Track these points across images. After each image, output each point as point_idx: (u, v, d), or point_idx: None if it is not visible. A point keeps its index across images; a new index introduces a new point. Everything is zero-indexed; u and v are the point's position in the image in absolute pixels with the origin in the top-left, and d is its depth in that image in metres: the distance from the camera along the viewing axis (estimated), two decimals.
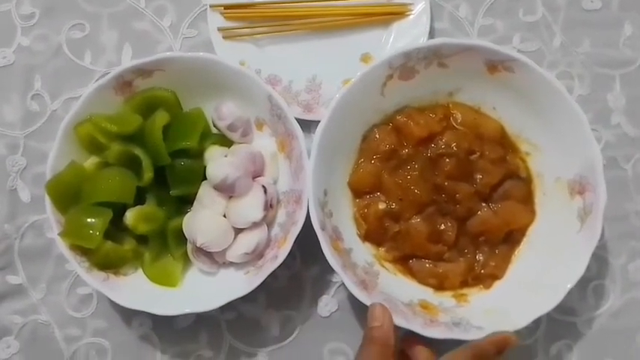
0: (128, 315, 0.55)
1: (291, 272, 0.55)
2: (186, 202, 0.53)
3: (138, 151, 0.50)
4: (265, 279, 0.49)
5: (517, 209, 0.53)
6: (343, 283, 0.48)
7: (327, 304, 0.55)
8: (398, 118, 0.54)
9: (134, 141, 0.51)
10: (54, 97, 0.59)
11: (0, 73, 0.59)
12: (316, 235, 0.47)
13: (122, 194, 0.49)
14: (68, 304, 0.55)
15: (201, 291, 0.51)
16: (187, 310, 0.49)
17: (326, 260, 0.47)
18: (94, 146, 0.51)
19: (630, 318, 0.55)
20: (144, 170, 0.50)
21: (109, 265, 0.50)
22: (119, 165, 0.51)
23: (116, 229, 0.51)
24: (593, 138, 0.49)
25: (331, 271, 0.48)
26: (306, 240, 0.49)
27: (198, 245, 0.50)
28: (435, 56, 0.51)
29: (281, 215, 0.53)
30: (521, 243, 0.53)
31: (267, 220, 0.52)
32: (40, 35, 0.60)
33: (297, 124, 0.50)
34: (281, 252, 0.49)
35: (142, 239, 0.52)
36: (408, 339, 0.48)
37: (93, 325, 0.55)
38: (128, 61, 0.59)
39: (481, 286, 0.52)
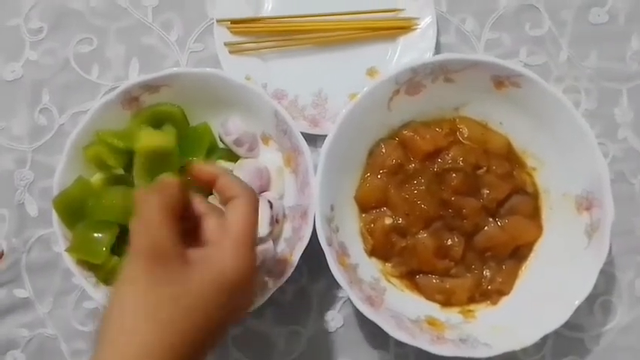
0: None
1: (297, 287, 0.55)
2: None
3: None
4: (272, 294, 0.49)
5: (524, 225, 0.53)
6: (349, 298, 0.48)
7: (334, 319, 0.55)
8: (404, 132, 0.54)
9: None
10: (61, 111, 0.59)
11: (8, 88, 0.60)
12: (322, 250, 0.47)
13: (125, 215, 0.49)
14: (75, 318, 0.56)
15: None
16: None
17: (332, 274, 0.47)
18: (100, 162, 0.51)
19: (638, 334, 0.54)
20: None
21: (116, 279, 0.50)
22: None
23: (122, 243, 0.51)
24: (600, 153, 0.49)
25: (337, 285, 0.47)
26: (312, 254, 0.49)
27: None
28: (441, 71, 0.51)
29: (287, 230, 0.53)
30: (529, 259, 0.53)
31: (274, 236, 0.52)
32: (48, 49, 0.60)
33: (304, 139, 0.50)
34: (287, 267, 0.49)
35: None
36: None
37: None
38: (135, 75, 0.60)
39: (488, 302, 0.52)
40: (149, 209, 0.35)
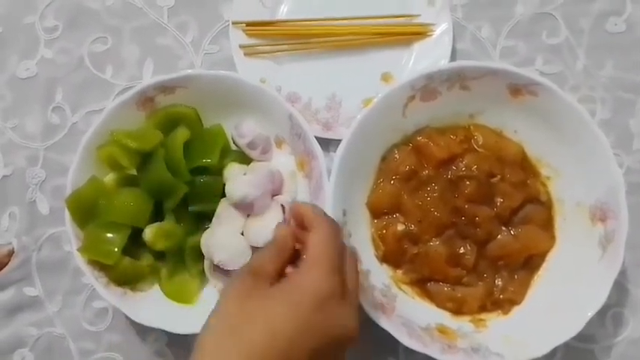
0: (143, 330, 0.54)
1: None
2: (204, 219, 0.53)
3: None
4: None
5: (537, 234, 0.52)
6: (360, 304, 0.48)
7: None
8: (418, 138, 0.54)
9: (154, 157, 0.51)
10: (74, 110, 0.59)
11: (23, 85, 0.60)
12: None
13: (136, 219, 0.50)
14: (84, 318, 0.56)
15: None
16: None
17: None
18: (114, 162, 0.51)
19: None
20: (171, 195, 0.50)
21: (127, 280, 0.50)
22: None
23: (133, 244, 0.51)
24: (615, 163, 0.48)
25: None
26: None
27: (215, 263, 0.50)
28: (457, 79, 0.51)
29: None
30: (541, 269, 0.52)
31: None
32: (62, 48, 0.60)
33: (318, 144, 0.50)
34: None
35: (159, 255, 0.52)
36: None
37: (108, 339, 0.55)
38: (149, 75, 0.59)
39: (500, 311, 0.51)
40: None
